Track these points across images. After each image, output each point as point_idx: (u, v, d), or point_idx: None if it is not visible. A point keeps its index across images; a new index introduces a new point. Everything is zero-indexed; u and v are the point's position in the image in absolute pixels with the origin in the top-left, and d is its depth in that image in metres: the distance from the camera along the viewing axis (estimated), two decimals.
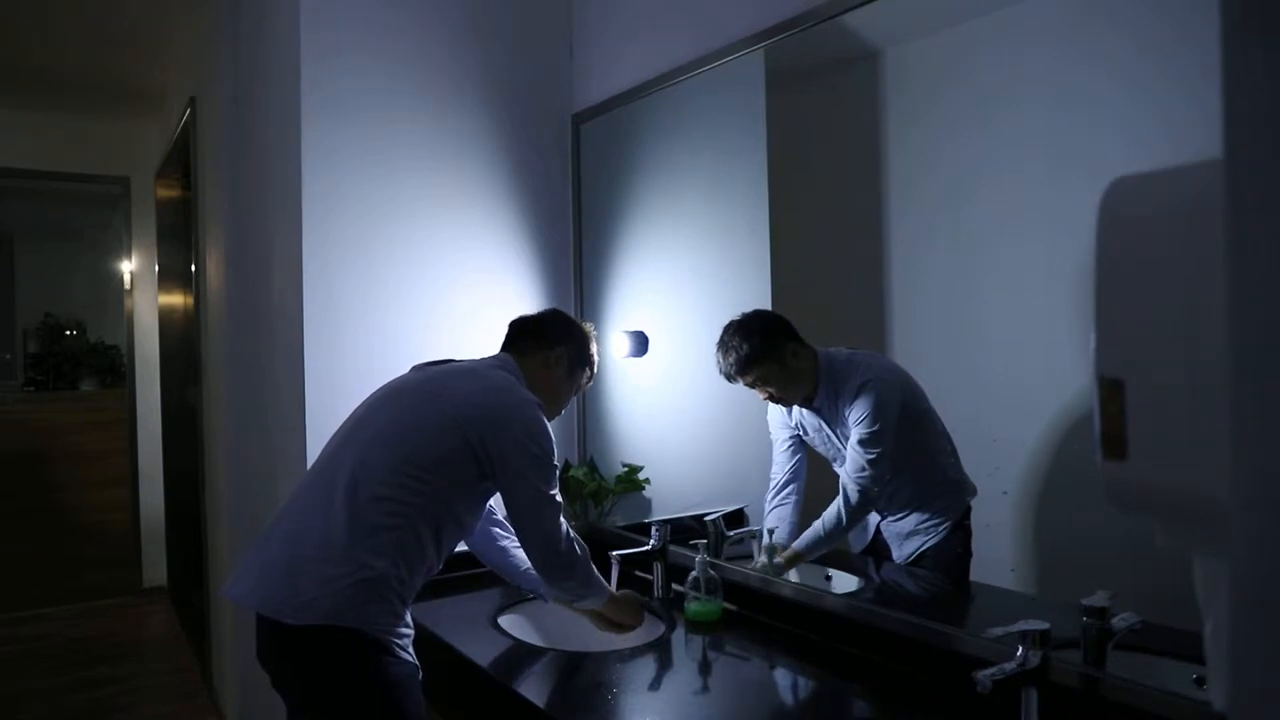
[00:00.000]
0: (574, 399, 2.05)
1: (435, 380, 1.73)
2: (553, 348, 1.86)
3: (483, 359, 1.84)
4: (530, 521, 1.69)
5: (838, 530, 1.85)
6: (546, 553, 1.71)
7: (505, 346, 1.89)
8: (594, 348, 1.95)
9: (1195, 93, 1.25)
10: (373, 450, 1.62)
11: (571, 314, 2.00)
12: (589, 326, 1.98)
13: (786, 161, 2.03)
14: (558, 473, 1.72)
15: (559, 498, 1.72)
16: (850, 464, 1.81)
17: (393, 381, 1.80)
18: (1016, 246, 1.59)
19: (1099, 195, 0.67)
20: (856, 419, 1.79)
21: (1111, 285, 0.65)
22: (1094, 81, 1.45)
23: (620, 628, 1.88)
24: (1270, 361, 0.43)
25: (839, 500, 1.82)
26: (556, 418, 1.88)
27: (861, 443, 1.78)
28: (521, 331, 1.90)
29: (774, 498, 1.99)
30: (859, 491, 1.79)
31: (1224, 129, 0.45)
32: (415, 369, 1.83)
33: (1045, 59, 1.54)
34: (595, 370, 1.97)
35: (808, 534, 1.89)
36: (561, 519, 1.72)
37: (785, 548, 1.93)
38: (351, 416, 1.76)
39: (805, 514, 1.94)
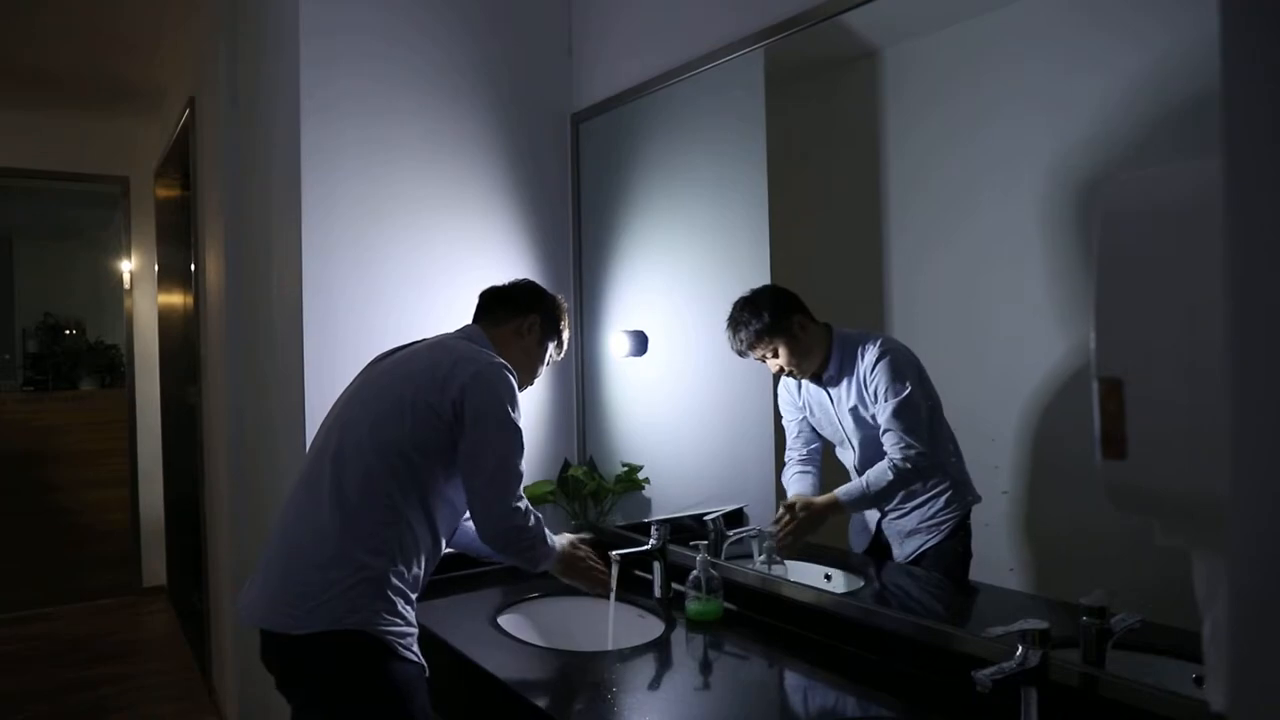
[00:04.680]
0: (564, 388, 2.02)
1: (398, 365, 1.70)
2: (525, 315, 1.83)
3: (447, 334, 1.81)
4: (490, 489, 1.60)
5: (879, 490, 1.79)
6: (506, 527, 1.63)
7: (476, 318, 1.86)
8: (565, 318, 1.91)
9: (1193, 90, 1.25)
10: (352, 448, 1.60)
11: (561, 296, 1.97)
12: (561, 297, 1.94)
13: (786, 161, 2.03)
14: (524, 447, 1.64)
15: (523, 469, 1.64)
16: (891, 439, 1.75)
17: (356, 378, 1.78)
18: (1016, 246, 1.59)
19: (1098, 194, 0.67)
20: (883, 389, 1.76)
21: (1111, 285, 0.65)
22: (1093, 80, 1.45)
23: (584, 584, 1.87)
24: (1270, 361, 0.43)
25: (887, 462, 1.77)
26: (528, 388, 1.86)
27: (897, 413, 1.74)
28: (493, 300, 1.86)
29: (793, 469, 1.97)
30: (903, 460, 1.74)
31: (1224, 129, 0.45)
32: (374, 360, 1.80)
33: (1045, 58, 1.54)
34: (565, 343, 1.93)
35: (850, 485, 1.84)
36: (521, 493, 1.65)
37: (814, 498, 1.92)
38: (328, 416, 1.74)
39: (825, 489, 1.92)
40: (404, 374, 1.67)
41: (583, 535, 1.91)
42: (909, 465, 1.75)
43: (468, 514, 1.86)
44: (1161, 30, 1.35)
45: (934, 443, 1.74)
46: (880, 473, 1.79)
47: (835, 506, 1.87)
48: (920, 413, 1.73)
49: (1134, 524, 0.70)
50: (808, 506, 1.91)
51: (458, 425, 1.60)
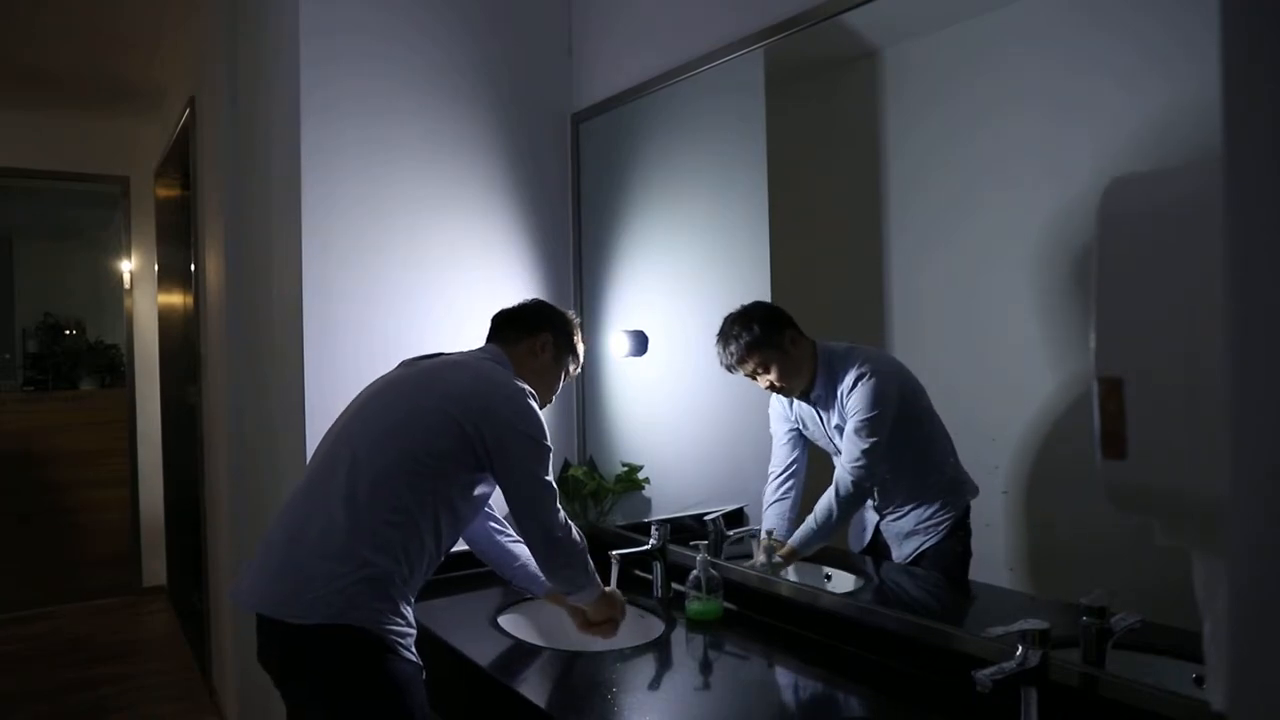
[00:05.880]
0: (564, 389, 2.04)
1: (426, 374, 1.73)
2: (537, 334, 1.86)
3: (471, 351, 1.84)
4: (528, 508, 1.68)
5: (830, 524, 1.85)
6: (545, 539, 1.70)
7: (490, 338, 1.88)
8: (578, 334, 1.94)
9: (1193, 90, 1.25)
10: (367, 447, 1.61)
11: (571, 312, 1.99)
12: (571, 313, 1.97)
13: (786, 161, 2.03)
14: (551, 459, 1.72)
15: (554, 484, 1.71)
16: (845, 454, 1.81)
17: (382, 377, 1.79)
18: (1016, 246, 1.59)
19: (1099, 195, 0.67)
20: (854, 408, 1.79)
21: (1111, 285, 0.65)
22: (1093, 80, 1.45)
23: (600, 628, 1.87)
24: (1270, 361, 0.43)
25: (830, 492, 1.82)
26: (548, 405, 1.88)
27: (857, 431, 1.78)
28: (505, 322, 1.90)
29: (772, 492, 1.99)
30: (851, 483, 1.80)
31: (1224, 129, 0.45)
32: (404, 364, 1.82)
33: (1045, 58, 1.54)
34: (581, 357, 1.96)
35: (801, 529, 1.89)
36: (559, 506, 1.71)
37: (783, 544, 1.94)
38: (343, 414, 1.75)
39: (804, 509, 1.93)
40: (424, 386, 1.69)
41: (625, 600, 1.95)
42: (851, 487, 1.80)
43: (506, 538, 1.95)
44: (1162, 30, 1.35)
45: (928, 445, 1.74)
46: (825, 505, 1.84)
47: (795, 555, 1.92)
48: (882, 436, 1.77)
49: (1134, 524, 0.70)
50: (782, 555, 1.94)
51: (483, 450, 1.64)
